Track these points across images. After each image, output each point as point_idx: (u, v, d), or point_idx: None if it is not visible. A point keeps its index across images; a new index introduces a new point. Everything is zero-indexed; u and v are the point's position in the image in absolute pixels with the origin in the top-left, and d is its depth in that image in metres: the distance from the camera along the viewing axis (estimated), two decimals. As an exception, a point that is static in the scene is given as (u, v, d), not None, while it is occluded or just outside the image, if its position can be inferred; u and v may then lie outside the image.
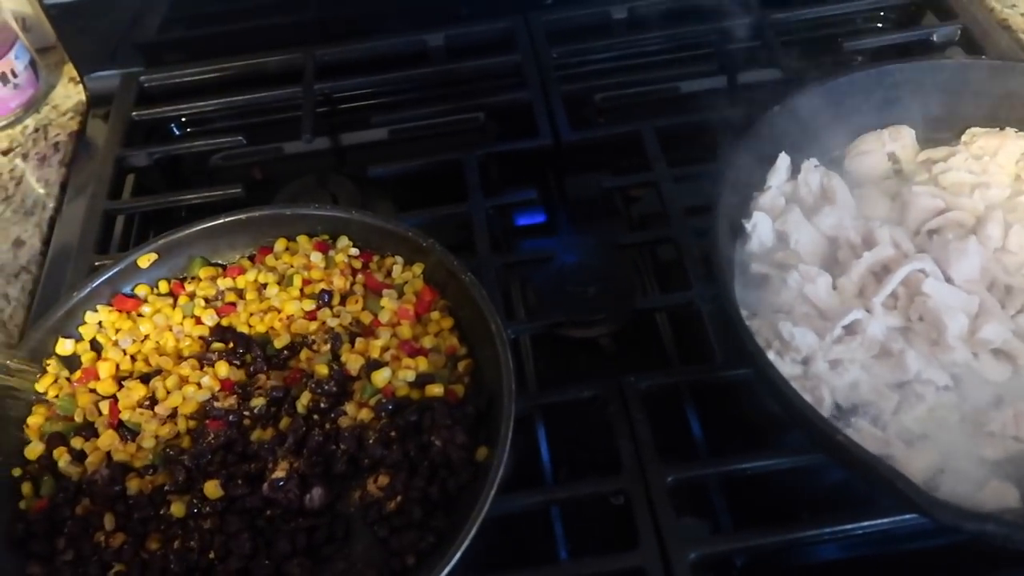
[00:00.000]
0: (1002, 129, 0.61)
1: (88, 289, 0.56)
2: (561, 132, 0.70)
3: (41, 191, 0.73)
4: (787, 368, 0.50)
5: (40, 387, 0.53)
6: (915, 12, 0.80)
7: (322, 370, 0.51)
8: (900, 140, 0.62)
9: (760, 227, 0.56)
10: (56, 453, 0.51)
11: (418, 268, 0.56)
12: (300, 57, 0.78)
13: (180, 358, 0.54)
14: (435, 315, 0.54)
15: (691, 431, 0.55)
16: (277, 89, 0.77)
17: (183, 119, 0.81)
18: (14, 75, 0.77)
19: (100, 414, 0.52)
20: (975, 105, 0.62)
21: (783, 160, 0.59)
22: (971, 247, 0.53)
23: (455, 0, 0.81)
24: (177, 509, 0.48)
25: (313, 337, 0.52)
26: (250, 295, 0.55)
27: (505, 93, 0.74)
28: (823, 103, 0.61)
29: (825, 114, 0.62)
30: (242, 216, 0.57)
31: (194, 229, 0.57)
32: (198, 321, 0.54)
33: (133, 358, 0.55)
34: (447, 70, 0.77)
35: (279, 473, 0.47)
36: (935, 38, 0.76)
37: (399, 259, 0.57)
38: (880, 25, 0.81)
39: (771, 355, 0.51)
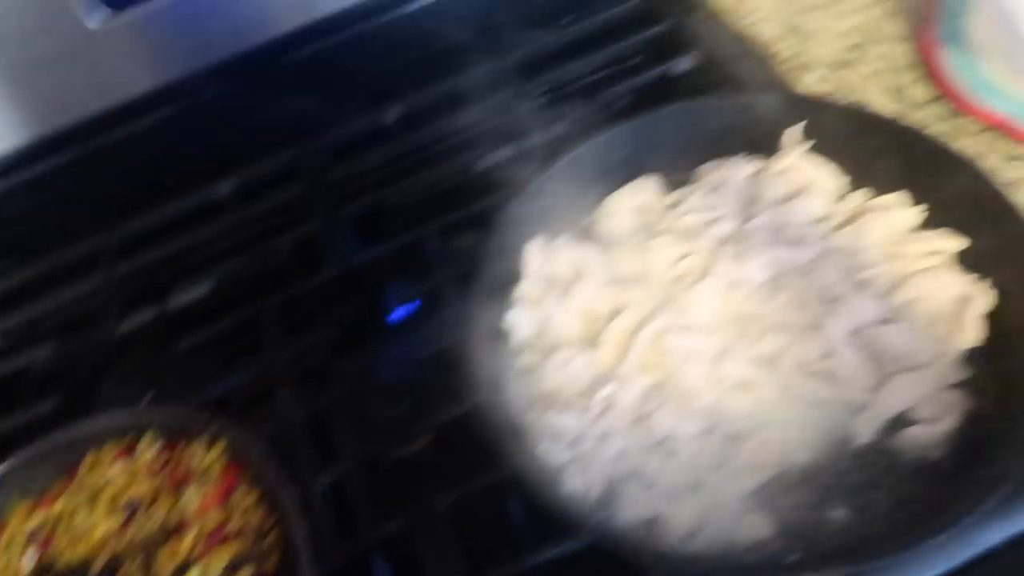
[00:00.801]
0: (727, 158, 0.65)
1: None
2: (348, 256, 0.73)
3: None
4: (559, 456, 0.54)
5: None
6: (665, 48, 0.84)
7: (140, 586, 0.53)
8: (642, 192, 0.66)
9: (518, 321, 0.60)
10: None
11: (217, 448, 0.59)
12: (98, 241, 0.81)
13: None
14: (239, 492, 0.57)
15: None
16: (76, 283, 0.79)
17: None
18: None
19: None
20: (705, 141, 0.66)
21: (530, 247, 0.63)
22: (704, 290, 0.57)
23: (242, 141, 0.85)
24: None
25: (125, 553, 0.55)
26: (63, 523, 0.57)
27: (293, 229, 0.77)
28: (564, 179, 0.65)
29: (570, 187, 0.66)
30: (45, 446, 0.60)
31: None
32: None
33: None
34: (239, 218, 0.80)
35: None
36: (674, 72, 0.80)
37: (203, 441, 0.60)
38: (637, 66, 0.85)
39: (543, 447, 0.54)
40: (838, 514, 0.50)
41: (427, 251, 0.71)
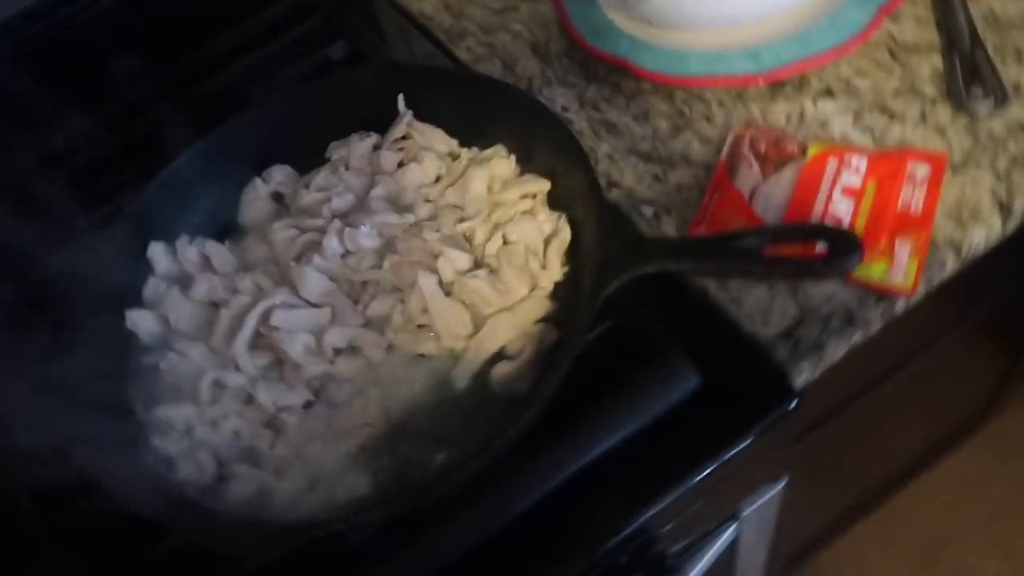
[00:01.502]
0: (349, 136, 0.67)
1: None
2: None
3: None
4: (173, 447, 0.54)
5: None
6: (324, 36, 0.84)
7: None
8: (275, 178, 0.66)
9: (140, 323, 0.59)
10: None
11: None
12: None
13: None
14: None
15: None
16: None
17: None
18: None
19: None
20: (332, 121, 0.67)
21: (155, 248, 0.62)
22: (307, 267, 0.58)
23: None
24: None
25: None
26: None
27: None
28: (195, 174, 0.65)
29: (204, 181, 0.65)
30: None
31: None
32: None
33: None
34: None
35: None
36: (334, 57, 0.81)
37: None
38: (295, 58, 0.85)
39: (155, 440, 0.54)
40: (440, 458, 0.51)
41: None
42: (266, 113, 0.66)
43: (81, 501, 0.51)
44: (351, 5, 0.85)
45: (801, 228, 0.53)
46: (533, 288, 0.55)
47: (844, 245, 0.45)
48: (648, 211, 0.63)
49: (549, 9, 0.79)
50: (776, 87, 0.66)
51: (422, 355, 0.55)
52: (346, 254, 0.59)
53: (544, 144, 0.59)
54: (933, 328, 0.82)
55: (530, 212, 0.58)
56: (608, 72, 0.72)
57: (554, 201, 0.59)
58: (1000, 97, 0.60)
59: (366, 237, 0.58)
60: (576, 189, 0.56)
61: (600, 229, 0.51)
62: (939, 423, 1.20)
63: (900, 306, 0.57)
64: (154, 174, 0.64)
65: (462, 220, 0.59)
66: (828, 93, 0.65)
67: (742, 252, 0.46)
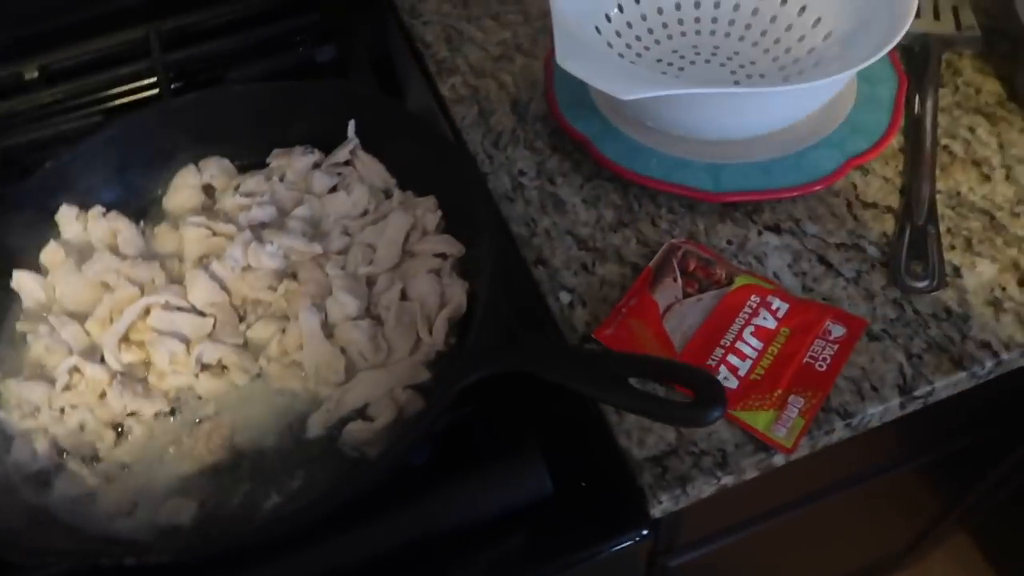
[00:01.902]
0: (293, 147, 0.65)
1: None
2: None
3: None
4: (16, 425, 0.52)
5: None
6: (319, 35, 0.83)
7: None
8: (210, 170, 0.65)
9: (25, 285, 0.58)
10: None
11: None
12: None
13: None
14: None
15: None
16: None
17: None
18: None
19: None
20: (283, 125, 0.66)
21: (66, 212, 0.61)
22: (201, 272, 0.56)
23: None
24: None
25: None
26: None
27: None
28: (137, 139, 0.64)
29: (141, 151, 0.64)
30: None
31: None
32: None
33: None
34: None
35: None
36: (320, 58, 0.80)
37: None
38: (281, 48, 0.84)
39: (0, 415, 0.53)
40: (270, 502, 0.50)
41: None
42: (222, 97, 0.65)
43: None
44: (356, 11, 0.85)
45: (670, 366, 0.51)
46: (413, 351, 0.54)
47: (708, 396, 0.44)
48: (566, 298, 0.62)
49: (541, 69, 0.78)
50: (728, 207, 0.65)
51: (285, 391, 0.54)
52: (247, 268, 0.58)
53: (470, 210, 0.58)
54: (827, 480, 0.80)
55: (436, 273, 0.57)
56: (573, 148, 0.71)
57: (464, 269, 0.58)
58: (936, 281, 0.58)
59: (270, 256, 0.57)
60: (483, 263, 0.54)
61: (485, 312, 0.49)
62: (849, 560, 1.18)
63: (779, 460, 0.55)
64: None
65: (371, 263, 0.58)
66: (775, 228, 0.64)
67: (608, 378, 0.45)
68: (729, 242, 0.64)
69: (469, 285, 0.56)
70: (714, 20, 0.72)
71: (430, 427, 0.46)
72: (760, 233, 0.64)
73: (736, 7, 0.72)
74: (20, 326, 0.57)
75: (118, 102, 0.78)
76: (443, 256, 0.58)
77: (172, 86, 0.76)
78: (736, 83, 0.69)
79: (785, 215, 0.64)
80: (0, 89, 0.79)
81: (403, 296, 0.56)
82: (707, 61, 0.71)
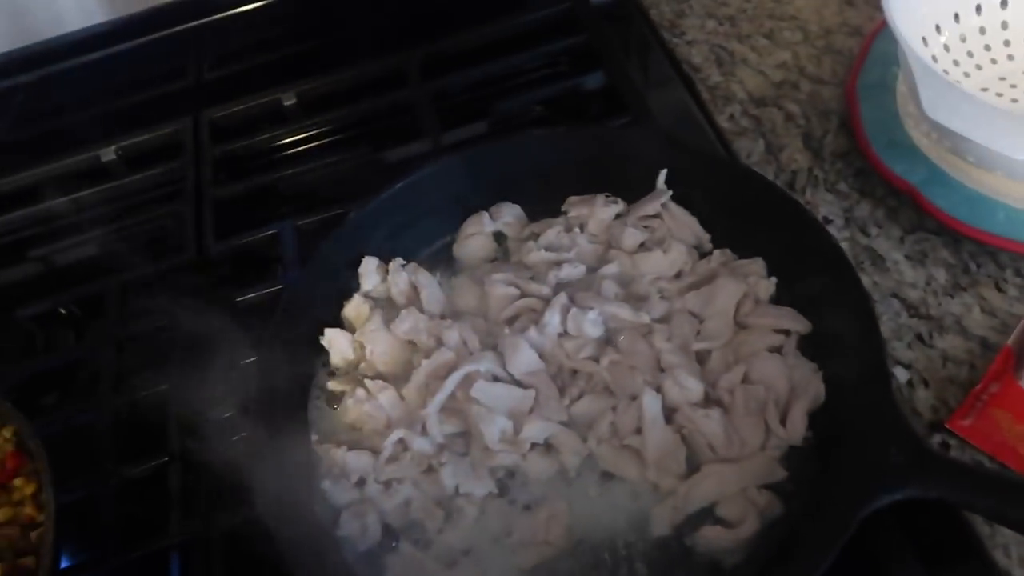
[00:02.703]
0: (594, 195, 0.61)
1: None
2: (206, 244, 0.69)
3: None
4: (341, 495, 0.50)
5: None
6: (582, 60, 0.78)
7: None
8: (503, 218, 0.61)
9: (336, 342, 0.56)
10: None
11: (8, 431, 0.56)
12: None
13: None
14: (18, 481, 0.54)
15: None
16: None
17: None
18: None
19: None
20: (573, 172, 0.61)
21: (368, 264, 0.58)
22: (522, 340, 0.53)
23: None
24: None
25: None
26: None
27: (156, 207, 0.73)
28: (419, 194, 0.61)
29: (427, 202, 0.61)
30: None
31: None
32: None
33: None
34: (117, 186, 0.76)
35: None
36: (589, 85, 0.75)
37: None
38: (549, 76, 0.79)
39: (326, 484, 0.51)
40: (621, 600, 0.46)
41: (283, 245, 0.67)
42: (516, 146, 0.62)
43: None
44: (619, 31, 0.79)
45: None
46: (764, 446, 0.49)
47: None
48: (902, 375, 0.55)
49: (835, 97, 0.70)
50: (1095, 275, 0.56)
51: (621, 480, 0.49)
52: (564, 334, 0.54)
53: (816, 278, 0.52)
54: None
55: (779, 351, 0.51)
56: (887, 193, 0.63)
57: (808, 347, 0.52)
58: None
59: (592, 325, 0.53)
60: (848, 347, 0.48)
61: (877, 422, 0.43)
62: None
63: None
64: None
65: (698, 334, 0.53)
66: None
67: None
68: (1104, 321, 0.55)
69: (821, 369, 0.50)
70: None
71: (824, 557, 0.40)
72: None
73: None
74: (333, 385, 0.55)
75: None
76: (786, 332, 0.52)
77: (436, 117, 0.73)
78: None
79: None
80: (263, 116, 0.79)
81: (743, 379, 0.51)
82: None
